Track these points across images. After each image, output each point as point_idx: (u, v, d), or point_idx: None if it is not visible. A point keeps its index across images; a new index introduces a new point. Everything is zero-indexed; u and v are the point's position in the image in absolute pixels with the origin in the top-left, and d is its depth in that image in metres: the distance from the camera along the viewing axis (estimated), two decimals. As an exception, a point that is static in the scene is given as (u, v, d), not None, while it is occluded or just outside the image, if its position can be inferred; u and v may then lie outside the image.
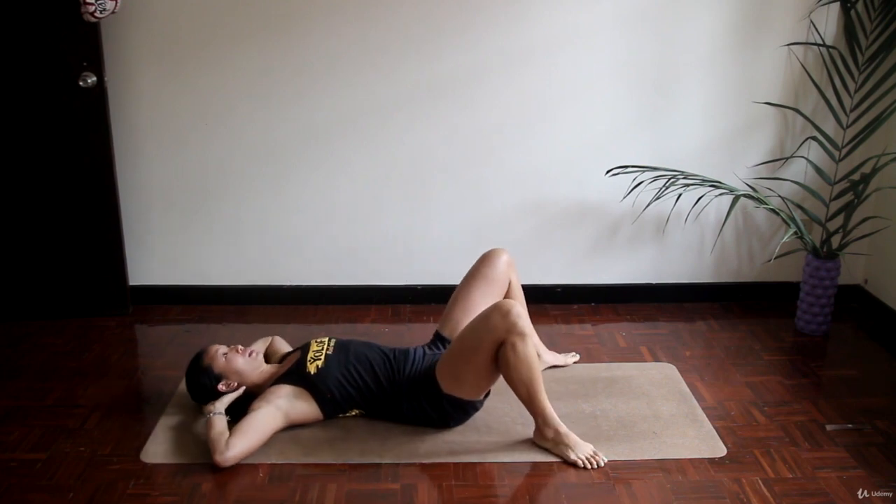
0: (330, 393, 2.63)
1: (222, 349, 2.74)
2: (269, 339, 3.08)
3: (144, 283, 3.67)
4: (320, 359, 2.68)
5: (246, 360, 2.73)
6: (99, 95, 3.28)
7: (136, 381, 3.07)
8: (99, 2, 2.99)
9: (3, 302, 3.50)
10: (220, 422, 2.55)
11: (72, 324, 3.50)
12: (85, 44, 3.22)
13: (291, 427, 2.63)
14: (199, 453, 2.54)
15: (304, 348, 2.77)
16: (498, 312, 2.46)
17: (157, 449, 2.57)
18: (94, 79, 3.24)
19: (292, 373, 2.67)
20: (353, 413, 2.71)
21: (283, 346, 3.04)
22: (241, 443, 2.47)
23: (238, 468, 2.47)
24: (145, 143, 3.49)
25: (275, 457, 2.52)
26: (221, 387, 2.67)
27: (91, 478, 2.43)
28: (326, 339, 2.79)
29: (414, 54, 3.40)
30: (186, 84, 3.42)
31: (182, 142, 3.50)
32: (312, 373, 2.64)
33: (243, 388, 2.70)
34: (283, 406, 2.58)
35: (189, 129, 3.48)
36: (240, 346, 2.77)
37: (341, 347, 2.74)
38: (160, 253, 3.65)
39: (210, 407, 2.61)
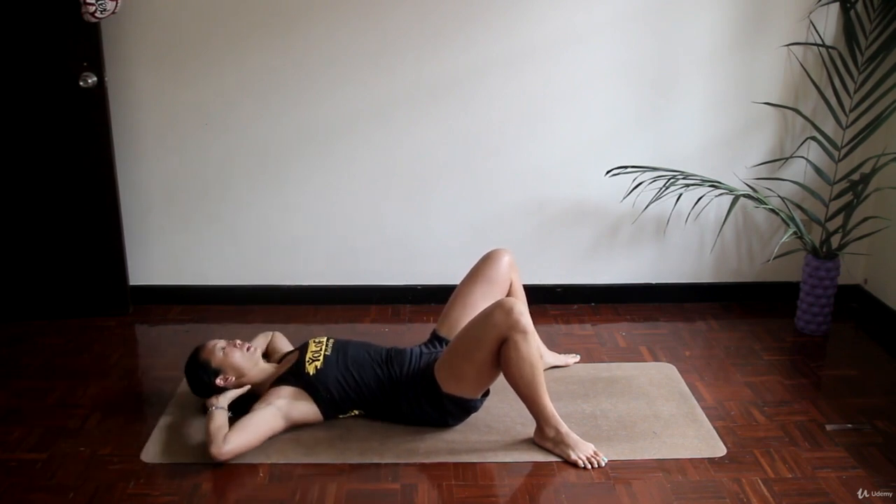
0: (328, 393, 2.63)
1: (220, 343, 2.74)
2: (270, 334, 3.08)
3: (144, 283, 3.67)
4: (318, 359, 2.68)
5: (244, 354, 2.73)
6: (99, 95, 3.28)
7: (136, 381, 3.07)
8: (99, 2, 2.99)
9: (3, 302, 3.50)
10: (220, 416, 2.55)
11: (72, 324, 3.50)
12: (85, 44, 3.22)
13: (292, 427, 2.63)
14: (199, 453, 2.54)
15: (303, 349, 2.77)
16: (500, 310, 2.46)
17: (157, 449, 2.57)
18: (95, 79, 3.24)
19: (291, 373, 2.67)
20: (353, 413, 2.71)
21: (284, 344, 3.05)
22: (238, 439, 2.47)
23: (238, 468, 2.47)
24: (145, 143, 3.49)
25: (275, 457, 2.52)
26: (219, 381, 2.67)
27: (91, 478, 2.43)
28: (325, 340, 2.79)
29: (414, 54, 3.39)
30: (186, 84, 3.42)
31: (182, 142, 3.50)
32: (311, 373, 2.64)
33: (248, 386, 2.70)
34: (283, 407, 2.58)
35: (189, 129, 3.48)
36: (238, 341, 2.77)
37: (339, 348, 2.74)
38: (160, 253, 3.65)
39: (213, 401, 2.61)
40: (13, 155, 3.34)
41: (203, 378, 2.69)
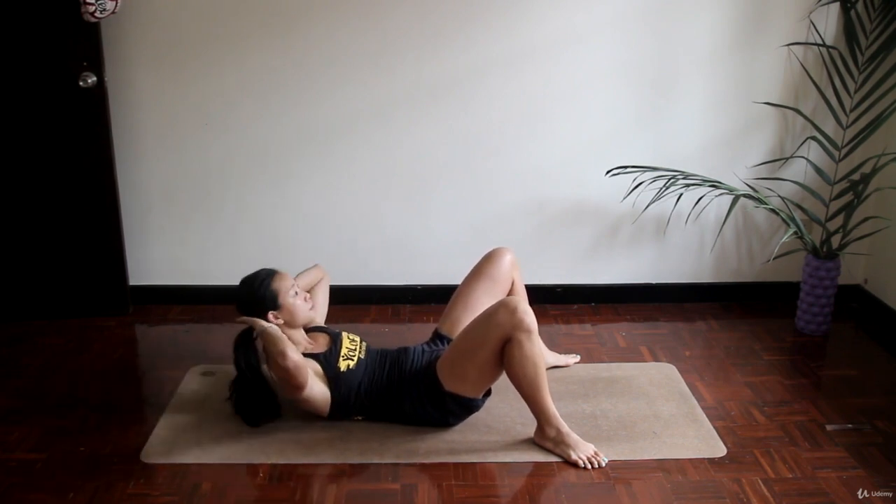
0: (347, 393, 2.63)
1: (296, 287, 2.75)
2: (323, 276, 3.06)
3: (144, 283, 3.67)
4: (353, 359, 2.68)
5: (307, 312, 2.75)
6: (99, 95, 3.28)
7: (136, 381, 3.07)
8: (99, 2, 2.99)
9: (3, 302, 3.50)
10: (277, 331, 2.52)
11: (72, 324, 3.50)
12: (85, 44, 3.22)
13: (292, 426, 2.63)
14: (199, 453, 2.54)
15: (336, 339, 2.75)
16: (504, 309, 2.46)
17: (157, 449, 2.57)
18: (94, 79, 3.24)
19: (323, 359, 2.65)
20: (356, 419, 2.71)
21: (323, 299, 3.02)
22: (301, 359, 2.48)
23: (238, 468, 2.47)
24: (145, 143, 3.49)
25: (275, 457, 2.52)
26: (271, 316, 2.67)
27: (91, 478, 2.43)
28: (358, 340, 2.79)
29: (414, 54, 3.39)
30: (186, 84, 3.42)
31: (182, 142, 3.50)
32: (342, 370, 2.64)
33: (284, 336, 2.59)
34: (311, 375, 2.57)
35: (189, 128, 3.48)
36: (308, 295, 2.81)
37: (372, 357, 2.74)
38: (160, 253, 3.65)
39: (260, 322, 2.56)
40: (13, 155, 3.34)
41: (263, 302, 2.67)
